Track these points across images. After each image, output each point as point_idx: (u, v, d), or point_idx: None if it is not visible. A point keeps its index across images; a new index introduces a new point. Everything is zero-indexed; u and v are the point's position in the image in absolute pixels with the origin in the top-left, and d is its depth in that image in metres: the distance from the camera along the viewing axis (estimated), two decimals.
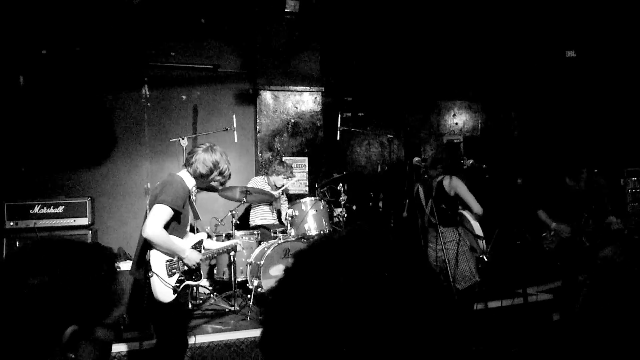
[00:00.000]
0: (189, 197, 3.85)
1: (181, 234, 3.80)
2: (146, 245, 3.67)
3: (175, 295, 3.67)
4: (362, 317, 0.68)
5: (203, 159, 3.76)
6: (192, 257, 3.76)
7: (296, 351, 0.70)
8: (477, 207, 4.99)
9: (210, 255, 4.19)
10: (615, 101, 8.20)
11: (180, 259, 3.72)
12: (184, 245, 3.76)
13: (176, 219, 3.68)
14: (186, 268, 3.77)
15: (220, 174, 3.85)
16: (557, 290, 6.38)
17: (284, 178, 6.69)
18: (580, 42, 8.29)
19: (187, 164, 3.82)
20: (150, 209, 3.64)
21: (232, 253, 4.66)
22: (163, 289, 3.61)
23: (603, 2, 7.30)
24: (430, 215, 4.95)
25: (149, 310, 3.73)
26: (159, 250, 3.64)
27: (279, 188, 6.71)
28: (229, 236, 6.10)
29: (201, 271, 3.94)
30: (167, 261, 3.67)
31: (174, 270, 3.69)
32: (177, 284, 3.69)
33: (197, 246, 3.96)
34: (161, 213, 3.54)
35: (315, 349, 0.68)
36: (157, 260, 3.64)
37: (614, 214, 5.41)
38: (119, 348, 4.42)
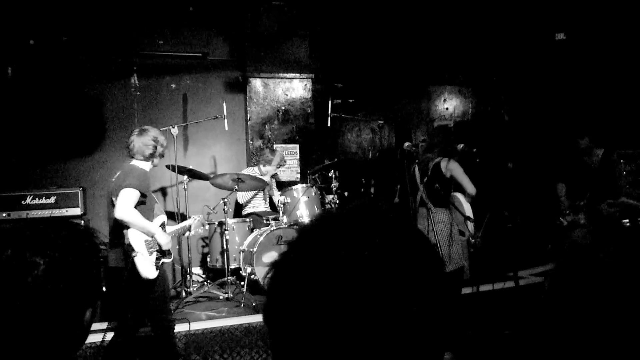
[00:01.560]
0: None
1: (149, 217, 4.02)
2: (118, 229, 3.88)
3: (157, 271, 3.91)
4: (365, 287, 0.70)
5: (144, 143, 4.09)
6: (163, 239, 4.02)
7: (300, 321, 0.72)
8: (471, 188, 5.05)
9: (172, 236, 4.35)
10: (606, 83, 8.22)
11: (152, 237, 3.98)
12: (155, 225, 4.02)
13: (142, 202, 3.94)
14: (159, 247, 4.02)
15: (162, 145, 4.19)
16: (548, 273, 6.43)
17: (276, 167, 6.69)
18: (570, 25, 8.29)
19: (131, 154, 4.10)
20: (115, 196, 3.87)
21: (190, 233, 4.76)
22: (148, 267, 3.85)
23: None
24: (424, 194, 5.01)
25: (129, 293, 3.90)
26: (136, 230, 3.87)
27: (272, 177, 6.74)
28: (221, 224, 6.11)
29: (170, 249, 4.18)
30: (145, 240, 3.90)
31: (152, 249, 3.94)
32: (157, 261, 3.95)
33: (162, 227, 4.17)
34: (130, 195, 3.81)
35: (320, 319, 0.70)
36: (137, 240, 3.86)
37: (626, 196, 5.40)
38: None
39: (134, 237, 3.86)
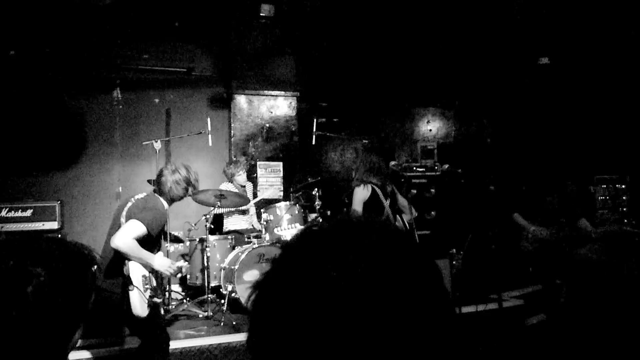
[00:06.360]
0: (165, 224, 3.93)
1: (151, 250, 3.80)
2: (119, 256, 3.62)
3: (149, 309, 3.66)
4: (356, 306, 0.64)
5: (176, 181, 3.88)
6: (163, 262, 3.78)
7: (287, 348, 0.66)
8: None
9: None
10: (587, 108, 8.35)
11: (152, 270, 3.75)
12: (151, 254, 3.75)
13: (145, 242, 3.68)
14: (154, 284, 3.79)
15: (193, 187, 4.01)
16: (528, 296, 6.43)
17: (242, 171, 6.62)
18: (554, 49, 8.43)
19: (161, 192, 3.90)
20: (125, 219, 3.67)
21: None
22: (142, 304, 3.59)
23: (576, 9, 7.44)
24: (391, 217, 5.25)
25: (125, 322, 3.70)
26: (136, 262, 3.62)
27: (244, 187, 6.69)
28: (202, 241, 6.03)
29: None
30: (143, 276, 3.67)
31: (147, 286, 3.70)
32: (149, 300, 3.69)
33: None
34: (136, 229, 3.58)
35: (307, 344, 0.64)
36: (136, 274, 3.63)
37: (584, 217, 5.56)
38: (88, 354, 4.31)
39: (133, 270, 3.63)
